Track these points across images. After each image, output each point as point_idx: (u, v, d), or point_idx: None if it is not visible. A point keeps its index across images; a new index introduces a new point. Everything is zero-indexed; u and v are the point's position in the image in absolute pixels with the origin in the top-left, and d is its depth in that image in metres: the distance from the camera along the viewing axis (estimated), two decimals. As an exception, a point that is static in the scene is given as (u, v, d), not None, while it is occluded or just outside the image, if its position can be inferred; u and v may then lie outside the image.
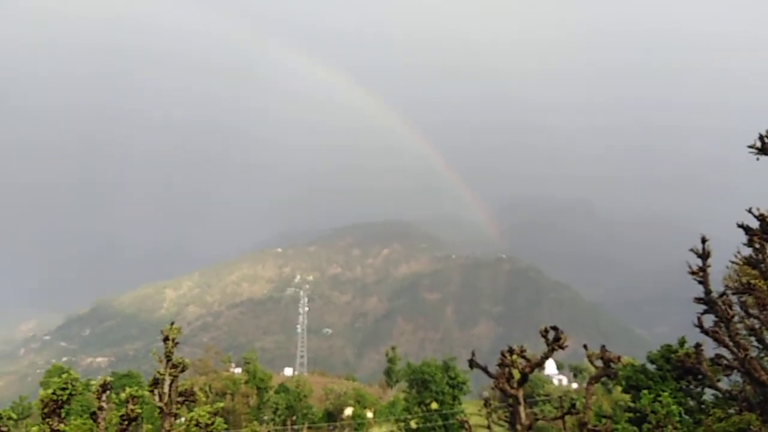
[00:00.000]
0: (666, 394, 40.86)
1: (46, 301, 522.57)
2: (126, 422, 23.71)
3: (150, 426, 60.18)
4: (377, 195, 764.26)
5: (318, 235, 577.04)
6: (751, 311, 25.15)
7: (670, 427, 37.99)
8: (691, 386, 44.70)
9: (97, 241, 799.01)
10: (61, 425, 25.94)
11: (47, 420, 25.11)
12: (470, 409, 56.65)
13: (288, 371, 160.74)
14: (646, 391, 42.83)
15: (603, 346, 27.90)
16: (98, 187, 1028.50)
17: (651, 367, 46.88)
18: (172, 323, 26.09)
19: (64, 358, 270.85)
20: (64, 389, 25.93)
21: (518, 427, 24.29)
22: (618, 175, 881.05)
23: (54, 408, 25.62)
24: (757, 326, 27.21)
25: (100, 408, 25.27)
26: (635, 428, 40.74)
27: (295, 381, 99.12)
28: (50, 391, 26.28)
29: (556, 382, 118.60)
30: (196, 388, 26.69)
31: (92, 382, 53.24)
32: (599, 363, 27.39)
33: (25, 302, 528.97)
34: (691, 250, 23.60)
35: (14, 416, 24.37)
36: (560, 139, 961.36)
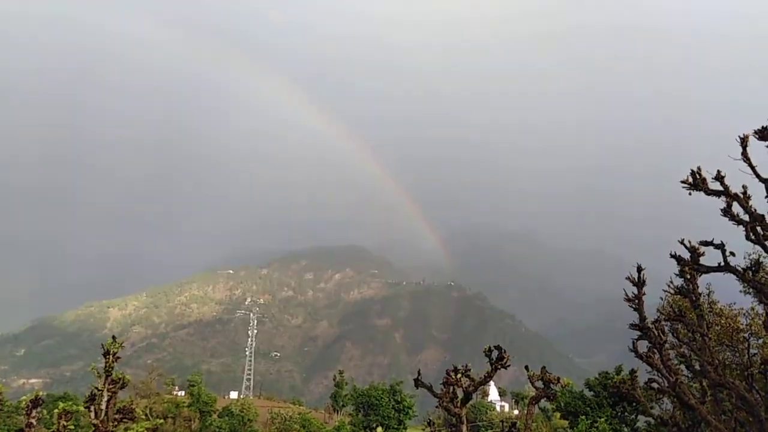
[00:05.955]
0: (602, 420, 42.15)
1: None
2: (57, 439, 22.77)
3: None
4: (332, 223, 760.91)
5: (271, 258, 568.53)
6: (682, 339, 26.43)
7: (605, 451, 39.15)
8: (626, 413, 46.20)
9: (40, 254, 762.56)
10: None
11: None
12: (415, 434, 56.91)
13: (234, 394, 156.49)
14: (583, 417, 44.01)
15: (543, 367, 28.76)
16: (50, 196, 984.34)
17: (588, 393, 48.24)
18: (114, 338, 25.44)
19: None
20: (-10, 404, 24.68)
21: (460, 446, 24.66)
22: (564, 210, 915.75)
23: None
24: (687, 353, 28.64)
25: (29, 425, 24.14)
26: (573, 453, 41.76)
27: (240, 404, 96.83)
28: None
29: (498, 408, 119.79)
30: (135, 407, 25.87)
31: (24, 404, 50.55)
32: (539, 384, 28.34)
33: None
34: (628, 278, 24.69)
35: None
36: (510, 178, 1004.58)
